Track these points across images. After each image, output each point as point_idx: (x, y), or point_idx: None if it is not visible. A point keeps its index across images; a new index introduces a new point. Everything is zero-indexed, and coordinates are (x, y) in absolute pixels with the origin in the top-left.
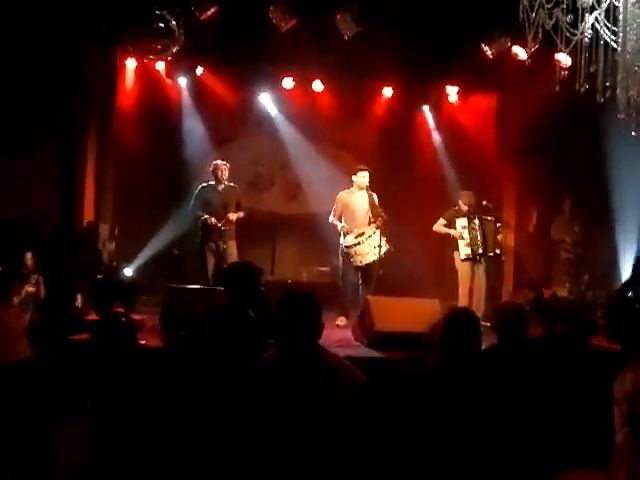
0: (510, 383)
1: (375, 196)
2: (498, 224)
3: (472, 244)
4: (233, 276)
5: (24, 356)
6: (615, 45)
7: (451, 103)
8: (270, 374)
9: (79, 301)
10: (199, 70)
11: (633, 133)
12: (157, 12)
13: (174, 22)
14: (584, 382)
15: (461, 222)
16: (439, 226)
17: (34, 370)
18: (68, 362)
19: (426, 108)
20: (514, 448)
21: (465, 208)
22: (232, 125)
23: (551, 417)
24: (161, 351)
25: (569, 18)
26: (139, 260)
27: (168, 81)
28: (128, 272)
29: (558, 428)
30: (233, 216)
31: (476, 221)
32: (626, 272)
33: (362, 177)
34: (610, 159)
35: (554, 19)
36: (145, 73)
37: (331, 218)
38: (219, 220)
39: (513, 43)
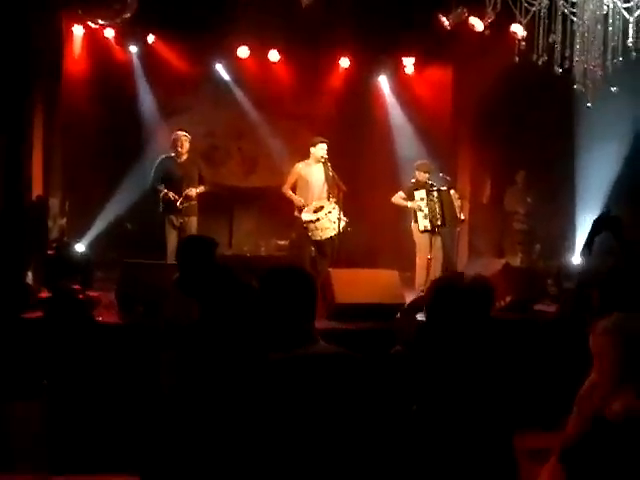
0: (478, 355)
1: (330, 167)
2: (452, 191)
3: (431, 216)
4: (187, 250)
5: None
6: (572, 17)
7: (407, 74)
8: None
9: (30, 278)
10: (150, 38)
11: (589, 104)
12: None
13: None
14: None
15: (420, 194)
16: (398, 198)
17: None
18: (20, 340)
19: (383, 79)
20: (479, 412)
21: (424, 176)
22: (185, 95)
23: (514, 385)
24: (119, 327)
25: None
26: (91, 235)
27: (118, 49)
28: (80, 248)
29: (518, 395)
30: (192, 191)
31: (435, 193)
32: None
33: (321, 149)
34: (567, 131)
35: None
36: (93, 40)
37: (284, 188)
38: (178, 194)
39: (470, 14)
